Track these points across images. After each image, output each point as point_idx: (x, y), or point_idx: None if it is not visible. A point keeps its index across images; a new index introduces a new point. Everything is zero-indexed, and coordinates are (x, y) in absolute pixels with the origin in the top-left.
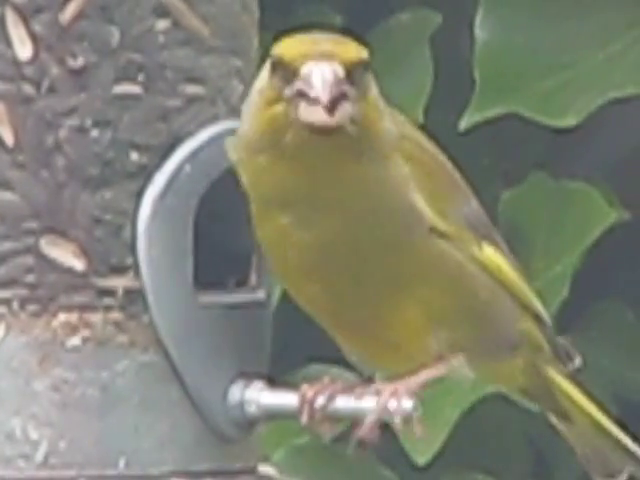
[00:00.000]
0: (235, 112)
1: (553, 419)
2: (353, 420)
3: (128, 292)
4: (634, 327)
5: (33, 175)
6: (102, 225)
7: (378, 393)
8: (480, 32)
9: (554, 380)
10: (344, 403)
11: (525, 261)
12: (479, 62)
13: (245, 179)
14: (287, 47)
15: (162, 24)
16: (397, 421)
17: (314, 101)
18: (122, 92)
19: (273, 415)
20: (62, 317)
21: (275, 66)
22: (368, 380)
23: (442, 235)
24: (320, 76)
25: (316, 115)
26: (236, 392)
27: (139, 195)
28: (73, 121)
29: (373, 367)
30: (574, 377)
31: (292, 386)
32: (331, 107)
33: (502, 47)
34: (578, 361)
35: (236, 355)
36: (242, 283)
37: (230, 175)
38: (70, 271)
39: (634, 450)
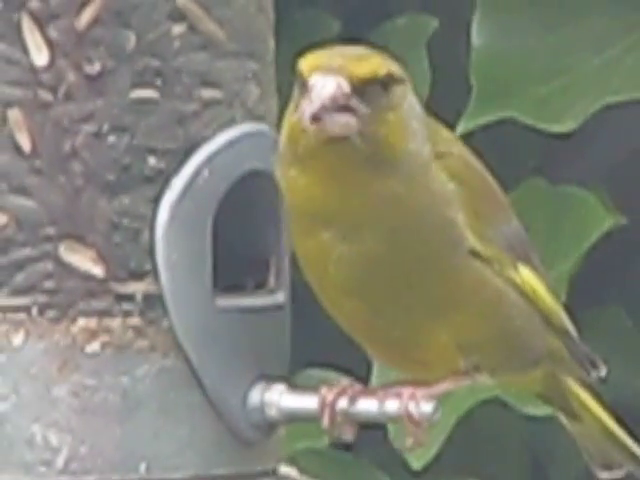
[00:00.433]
0: (252, 115)
1: (562, 418)
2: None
3: (147, 297)
4: (631, 332)
5: (50, 181)
6: (120, 230)
7: (399, 396)
8: (476, 37)
9: (572, 390)
10: (366, 406)
11: None
12: (475, 67)
13: (285, 195)
14: (307, 60)
15: (178, 28)
16: (416, 424)
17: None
18: (139, 97)
19: (293, 418)
20: (81, 323)
21: (297, 79)
22: (388, 384)
23: (480, 258)
24: (320, 88)
25: (305, 122)
26: (256, 395)
27: (157, 200)
28: (90, 127)
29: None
30: (593, 387)
31: (313, 389)
32: (315, 116)
33: (498, 52)
34: (602, 370)
35: (256, 358)
36: (261, 286)
37: (248, 178)
38: (89, 277)
39: None
